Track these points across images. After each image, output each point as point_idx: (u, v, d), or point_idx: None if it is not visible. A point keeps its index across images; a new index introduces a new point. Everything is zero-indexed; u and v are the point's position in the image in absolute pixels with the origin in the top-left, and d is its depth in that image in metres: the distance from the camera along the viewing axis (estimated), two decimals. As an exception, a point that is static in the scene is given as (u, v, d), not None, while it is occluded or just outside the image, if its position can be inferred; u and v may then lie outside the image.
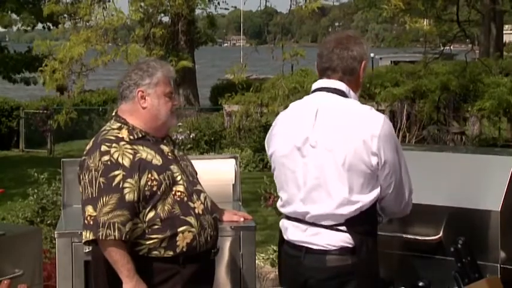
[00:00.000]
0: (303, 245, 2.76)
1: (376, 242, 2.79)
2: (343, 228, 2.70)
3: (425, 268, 3.21)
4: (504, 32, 24.36)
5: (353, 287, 2.71)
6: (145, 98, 3.06)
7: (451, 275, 2.95)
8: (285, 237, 2.86)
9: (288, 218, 2.85)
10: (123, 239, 2.88)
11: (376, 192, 2.73)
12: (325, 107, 2.76)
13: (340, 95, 2.78)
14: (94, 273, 3.14)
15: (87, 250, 3.56)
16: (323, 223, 2.72)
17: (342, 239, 2.70)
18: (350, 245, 2.70)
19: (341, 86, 2.80)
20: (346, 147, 2.67)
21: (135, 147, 2.99)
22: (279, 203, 2.90)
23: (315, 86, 2.87)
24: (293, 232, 2.81)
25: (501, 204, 3.08)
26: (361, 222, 2.71)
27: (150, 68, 3.08)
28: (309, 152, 2.73)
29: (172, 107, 3.11)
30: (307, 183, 2.74)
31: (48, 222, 6.80)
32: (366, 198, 2.70)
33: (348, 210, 2.69)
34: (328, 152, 2.69)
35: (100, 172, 2.92)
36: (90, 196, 2.93)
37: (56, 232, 4.00)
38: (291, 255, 2.82)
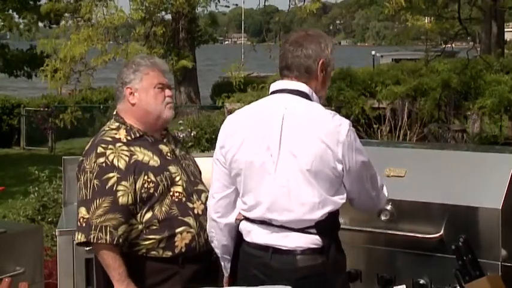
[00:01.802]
0: (270, 245, 2.70)
1: (340, 241, 2.78)
2: (313, 230, 2.67)
3: (426, 266, 3.21)
4: (505, 29, 24.33)
5: (324, 286, 2.68)
6: (134, 94, 3.05)
7: (452, 273, 2.95)
8: (248, 239, 2.77)
9: (252, 221, 2.76)
10: (115, 243, 2.86)
11: (343, 195, 2.72)
12: (291, 111, 2.69)
13: (303, 97, 2.72)
14: (96, 271, 3.15)
15: (88, 248, 3.56)
16: (292, 226, 2.68)
17: (312, 240, 2.68)
18: (318, 246, 2.68)
19: (303, 87, 2.74)
20: (313, 154, 2.62)
21: (131, 148, 2.98)
22: (242, 207, 2.79)
23: (275, 86, 2.79)
24: (258, 234, 2.73)
25: (502, 202, 3.08)
26: (328, 224, 2.69)
27: (134, 64, 3.09)
28: (277, 158, 2.67)
29: (164, 98, 3.07)
30: (274, 191, 2.67)
31: (49, 220, 6.81)
32: (334, 202, 2.68)
33: (317, 215, 2.66)
34: (295, 159, 2.64)
35: (95, 174, 2.91)
36: (84, 198, 2.92)
37: (57, 230, 4.01)
38: (254, 255, 2.74)
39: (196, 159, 3.30)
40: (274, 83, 2.82)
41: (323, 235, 2.68)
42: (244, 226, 2.79)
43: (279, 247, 2.69)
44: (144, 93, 3.05)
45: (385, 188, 2.92)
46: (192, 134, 12.40)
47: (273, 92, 2.80)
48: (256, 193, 2.72)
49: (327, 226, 2.69)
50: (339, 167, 2.65)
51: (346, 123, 2.68)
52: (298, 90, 2.74)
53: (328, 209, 2.67)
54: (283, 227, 2.69)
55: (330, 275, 2.70)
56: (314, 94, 2.77)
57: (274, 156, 2.67)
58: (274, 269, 2.68)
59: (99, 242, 2.86)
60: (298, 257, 2.67)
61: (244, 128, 2.76)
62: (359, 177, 2.72)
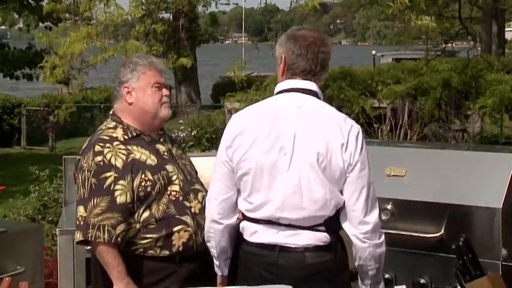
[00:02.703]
0: (276, 244, 2.70)
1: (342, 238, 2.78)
2: (321, 228, 2.69)
3: (426, 265, 3.21)
4: (506, 29, 24.33)
5: (332, 283, 2.70)
6: (131, 94, 3.06)
7: (452, 273, 2.95)
8: (251, 239, 2.76)
9: (257, 221, 2.74)
10: (113, 241, 2.86)
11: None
12: (305, 110, 2.71)
13: (313, 95, 2.75)
14: (94, 270, 3.15)
15: (88, 247, 3.56)
16: (302, 225, 2.68)
17: (320, 238, 2.69)
18: (326, 243, 2.69)
19: (312, 86, 2.76)
20: (323, 151, 2.64)
21: (129, 147, 2.98)
22: (247, 207, 2.76)
23: (284, 86, 2.79)
24: (263, 234, 2.73)
25: (502, 202, 3.08)
26: (335, 221, 2.71)
27: (131, 63, 3.10)
28: (291, 157, 2.67)
29: (161, 97, 3.07)
30: (286, 189, 2.67)
31: (50, 219, 6.81)
32: (341, 199, 2.69)
33: (328, 211, 2.67)
34: (307, 157, 2.65)
35: (92, 172, 2.92)
36: (82, 196, 2.93)
37: (57, 229, 4.01)
38: (259, 255, 2.73)
39: (196, 158, 3.30)
40: (283, 82, 2.81)
41: (331, 232, 2.70)
42: (246, 226, 2.78)
43: (287, 245, 2.69)
44: (142, 92, 3.05)
45: (383, 237, 2.75)
46: (193, 134, 12.39)
47: (282, 91, 2.79)
48: (266, 192, 2.70)
49: (334, 223, 2.71)
50: (344, 166, 2.66)
51: (355, 128, 2.70)
52: (308, 90, 2.75)
53: (337, 205, 2.69)
54: (291, 226, 2.69)
55: (338, 271, 2.72)
56: (320, 93, 2.79)
57: (288, 155, 2.67)
58: (282, 267, 2.68)
59: (97, 240, 2.86)
60: (306, 254, 2.68)
61: (255, 127, 2.74)
62: (362, 179, 2.69)
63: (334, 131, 2.67)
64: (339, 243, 2.73)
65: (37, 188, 7.25)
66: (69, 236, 3.83)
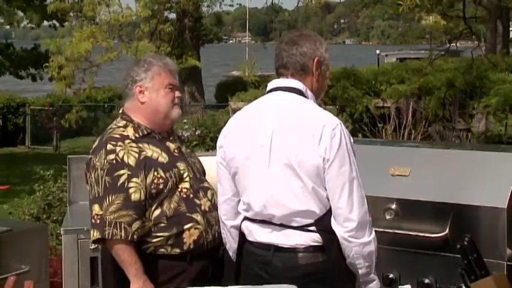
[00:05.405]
0: (271, 244, 2.72)
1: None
2: (312, 228, 2.69)
3: (431, 265, 3.21)
4: (511, 28, 24.26)
5: (326, 284, 2.69)
6: (144, 93, 3.07)
7: (457, 272, 2.95)
8: (250, 238, 2.81)
9: (253, 220, 2.79)
10: (130, 238, 2.88)
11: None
12: (283, 108, 2.74)
13: (297, 93, 2.76)
14: (103, 271, 3.15)
15: (93, 247, 3.57)
16: (292, 224, 2.70)
17: (312, 238, 2.69)
18: (319, 244, 2.69)
19: (297, 84, 2.78)
20: (299, 149, 2.65)
21: (140, 145, 3.00)
22: (242, 207, 2.83)
23: (270, 85, 2.84)
24: (259, 233, 2.77)
25: (507, 202, 3.07)
26: (327, 221, 2.69)
27: (146, 63, 3.11)
28: (269, 155, 2.70)
29: (173, 98, 3.10)
30: (268, 186, 2.70)
31: (54, 218, 6.82)
32: (322, 193, 2.67)
33: (310, 206, 2.67)
34: (284, 154, 2.67)
35: (105, 171, 2.93)
36: (96, 195, 2.94)
37: (62, 228, 4.02)
38: (256, 254, 2.77)
39: (201, 158, 3.31)
40: (271, 81, 2.86)
41: (323, 233, 2.69)
42: (246, 226, 2.83)
43: (280, 245, 2.71)
44: (155, 92, 3.07)
45: (372, 236, 2.73)
46: (197, 133, 12.39)
47: (270, 91, 2.84)
48: (252, 190, 2.76)
49: (326, 223, 2.70)
50: (320, 161, 2.64)
51: (331, 123, 2.67)
52: (292, 88, 2.77)
53: (320, 202, 2.68)
54: (283, 225, 2.71)
55: (332, 273, 2.71)
56: (309, 92, 2.80)
57: (267, 152, 2.71)
58: (276, 267, 2.71)
59: (114, 238, 2.87)
60: (299, 254, 2.70)
61: (240, 127, 2.82)
62: (342, 174, 2.66)
63: (308, 126, 2.67)
64: (334, 244, 2.70)
65: (42, 187, 7.27)
66: (73, 235, 3.84)
